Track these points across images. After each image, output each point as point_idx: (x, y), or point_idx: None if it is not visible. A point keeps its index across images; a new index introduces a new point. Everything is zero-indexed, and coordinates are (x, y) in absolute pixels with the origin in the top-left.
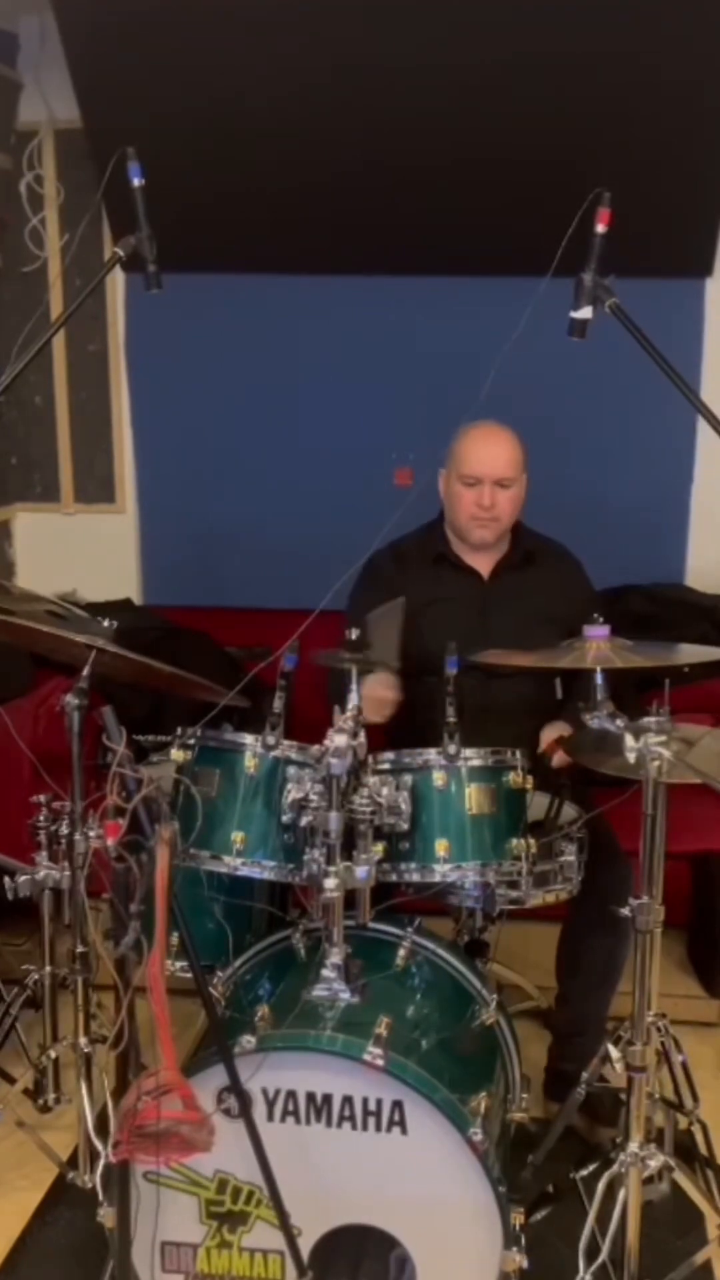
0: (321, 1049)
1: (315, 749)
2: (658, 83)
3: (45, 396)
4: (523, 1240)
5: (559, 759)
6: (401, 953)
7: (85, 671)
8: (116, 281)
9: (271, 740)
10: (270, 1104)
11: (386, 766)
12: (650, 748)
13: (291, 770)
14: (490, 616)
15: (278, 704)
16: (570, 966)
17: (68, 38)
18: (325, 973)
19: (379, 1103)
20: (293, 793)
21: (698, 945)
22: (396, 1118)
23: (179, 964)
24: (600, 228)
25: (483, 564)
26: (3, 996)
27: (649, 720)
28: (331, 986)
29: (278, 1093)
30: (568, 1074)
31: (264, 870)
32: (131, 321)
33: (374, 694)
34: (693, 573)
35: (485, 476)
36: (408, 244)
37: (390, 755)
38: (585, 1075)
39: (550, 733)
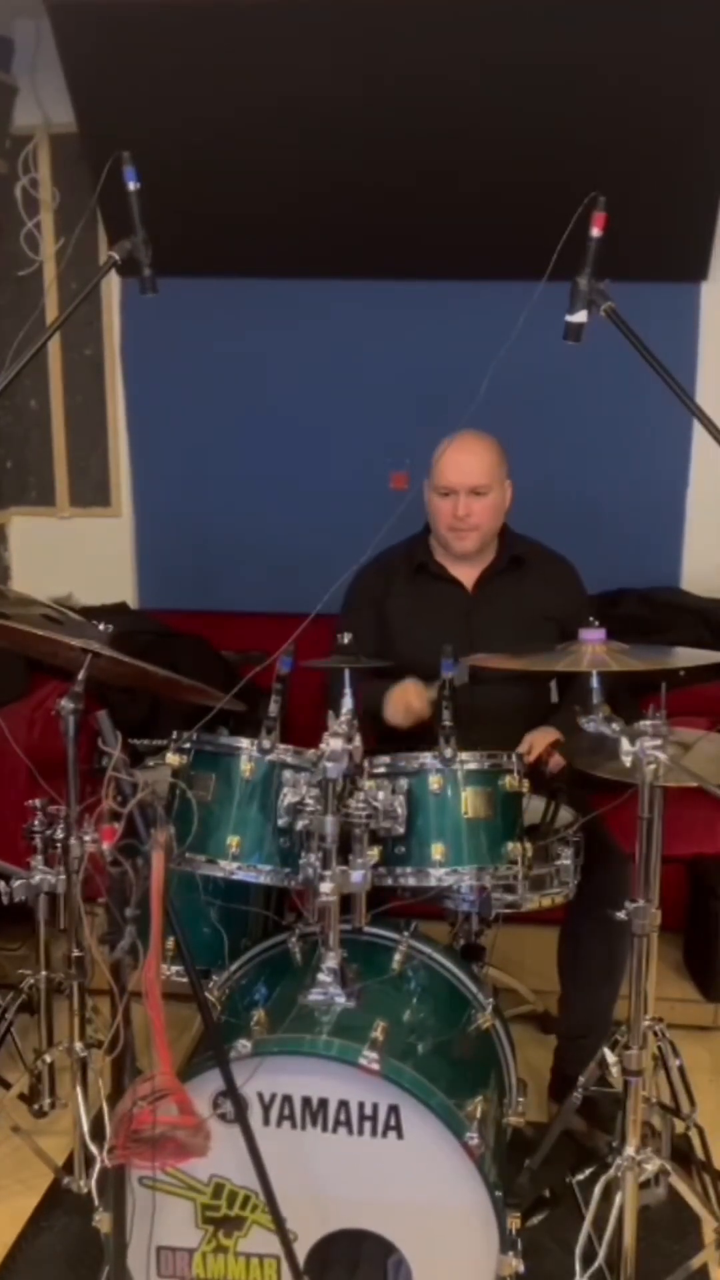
0: (317, 1053)
1: (311, 753)
2: (653, 88)
3: (41, 400)
4: (519, 1245)
5: (555, 762)
6: (397, 957)
7: (81, 675)
8: (112, 285)
9: (267, 744)
10: (266, 1108)
11: (382, 770)
12: (646, 751)
13: (287, 774)
14: (475, 626)
15: (273, 708)
16: (571, 968)
17: (63, 42)
18: (321, 977)
19: (375, 1107)
20: (288, 797)
21: (694, 949)
22: (393, 1122)
23: (175, 968)
24: (595, 232)
25: (466, 574)
26: None
27: (645, 724)
28: (327, 991)
29: (273, 1097)
30: (573, 1077)
31: (260, 874)
32: (127, 325)
33: (405, 698)
34: (688, 576)
35: (459, 486)
36: (404, 248)
37: (386, 759)
38: (582, 1080)
39: (536, 739)
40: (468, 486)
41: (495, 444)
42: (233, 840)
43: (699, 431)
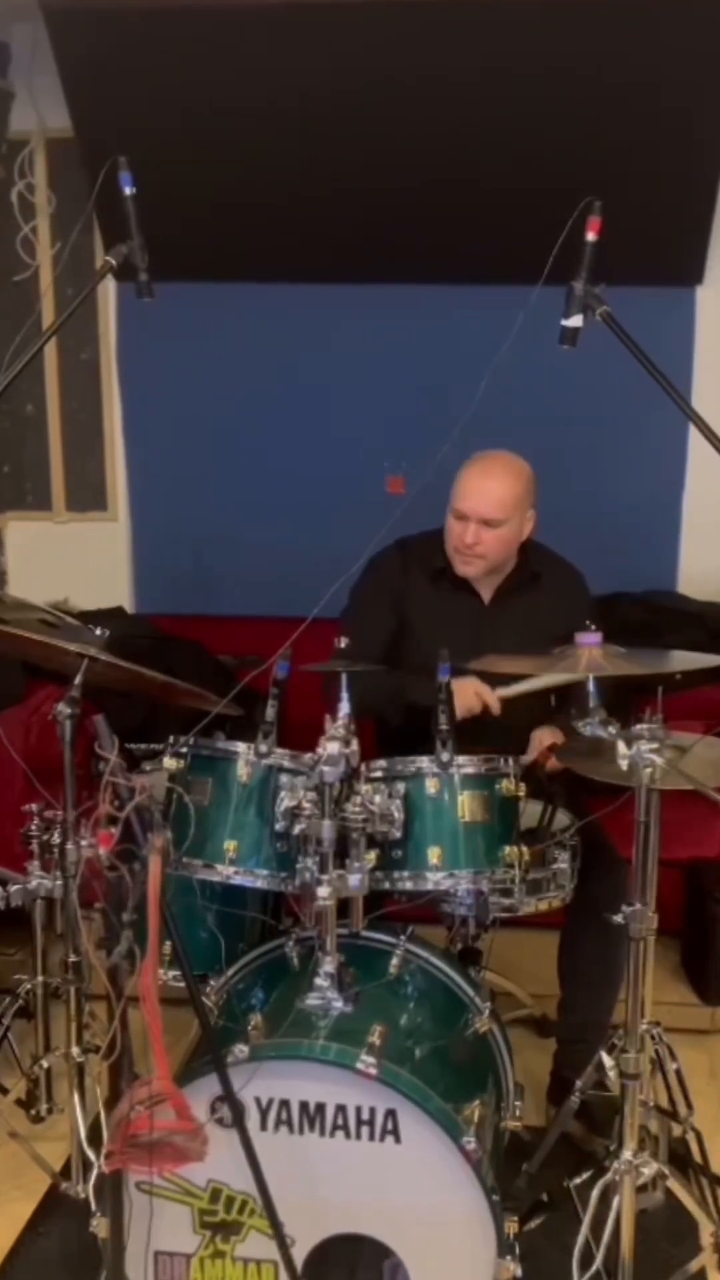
0: (315, 1058)
1: (308, 757)
2: (650, 92)
3: (37, 405)
4: (516, 1249)
5: (552, 764)
6: (394, 961)
7: (77, 680)
8: (108, 290)
9: (264, 748)
10: (264, 1113)
11: (379, 774)
12: (643, 755)
13: (284, 778)
14: (487, 640)
15: (270, 712)
16: (570, 973)
17: (59, 47)
18: (318, 981)
19: (372, 1111)
20: (285, 801)
21: (691, 952)
22: (390, 1126)
23: (172, 973)
24: (591, 236)
25: (484, 586)
26: None
27: (642, 727)
28: (324, 995)
29: (271, 1102)
30: (572, 1081)
31: (257, 879)
32: (123, 330)
33: (481, 696)
34: (685, 579)
35: (470, 513)
36: (400, 252)
37: (383, 763)
38: (579, 1084)
39: (542, 737)
40: (480, 516)
41: (523, 472)
42: (230, 844)
43: (695, 435)
